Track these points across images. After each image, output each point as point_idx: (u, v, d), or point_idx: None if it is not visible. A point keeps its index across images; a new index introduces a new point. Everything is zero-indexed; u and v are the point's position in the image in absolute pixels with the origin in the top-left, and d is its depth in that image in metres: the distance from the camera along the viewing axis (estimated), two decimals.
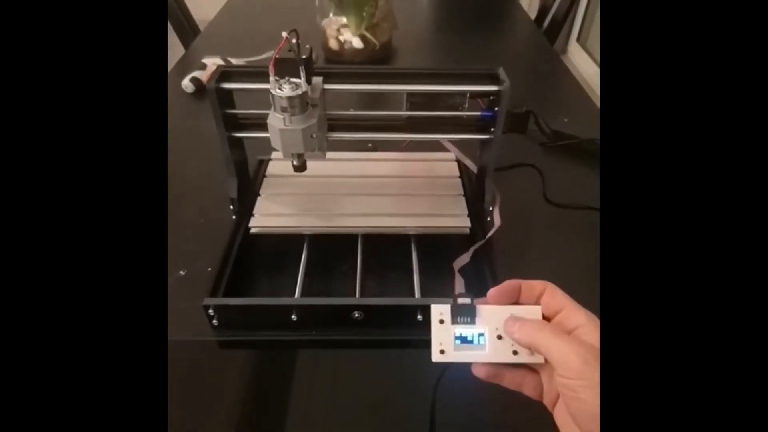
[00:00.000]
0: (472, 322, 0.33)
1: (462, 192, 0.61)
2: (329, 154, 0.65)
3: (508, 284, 0.34)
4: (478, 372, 0.33)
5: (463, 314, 0.33)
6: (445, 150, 0.65)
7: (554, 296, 0.32)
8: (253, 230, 0.55)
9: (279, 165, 0.64)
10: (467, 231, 0.56)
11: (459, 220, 0.56)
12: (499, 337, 0.33)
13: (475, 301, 0.34)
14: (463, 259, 0.52)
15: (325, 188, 0.61)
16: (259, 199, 0.59)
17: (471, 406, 0.44)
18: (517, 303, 0.34)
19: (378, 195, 0.60)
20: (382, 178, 0.63)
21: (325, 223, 0.56)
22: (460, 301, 0.33)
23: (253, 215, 0.56)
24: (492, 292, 0.34)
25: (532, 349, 0.32)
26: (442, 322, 0.33)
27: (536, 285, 0.33)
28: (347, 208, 0.58)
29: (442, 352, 0.33)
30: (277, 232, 0.56)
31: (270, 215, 0.57)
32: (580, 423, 0.28)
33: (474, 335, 0.33)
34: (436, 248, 0.56)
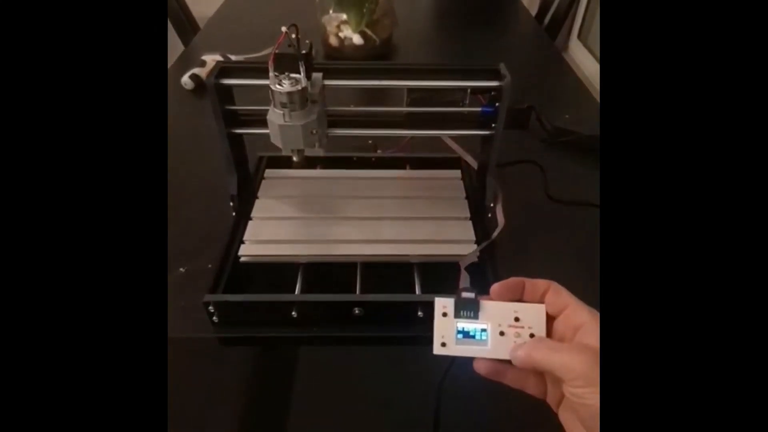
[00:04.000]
0: (475, 317, 0.33)
1: (468, 215, 0.57)
2: (328, 171, 0.63)
3: (512, 281, 0.34)
4: (479, 368, 0.33)
5: (466, 309, 0.33)
6: (446, 148, 0.64)
7: (558, 295, 0.32)
8: (243, 259, 0.52)
9: (273, 184, 0.62)
10: (475, 259, 0.52)
11: (465, 248, 0.53)
12: (502, 333, 0.32)
13: (479, 297, 0.34)
14: (470, 257, 0.51)
15: (322, 211, 0.58)
16: (250, 223, 0.55)
17: (475, 404, 0.44)
18: (520, 301, 0.34)
19: (379, 219, 0.56)
20: (384, 198, 0.59)
21: (322, 251, 0.53)
22: (464, 295, 0.33)
23: (243, 242, 0.53)
24: (495, 287, 0.34)
25: (537, 370, 0.31)
26: (445, 315, 0.33)
27: (540, 284, 0.33)
28: (345, 234, 0.54)
29: (443, 345, 0.33)
30: (269, 261, 0.53)
31: (262, 242, 0.54)
32: (590, 426, 0.28)
33: (476, 330, 0.33)
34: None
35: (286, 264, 0.53)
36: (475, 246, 0.53)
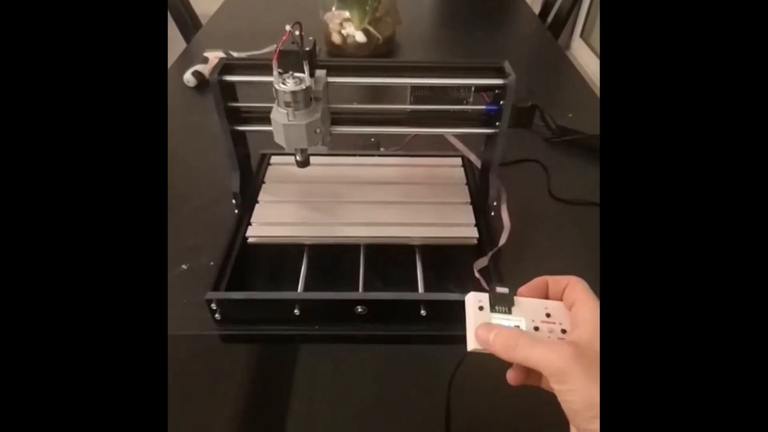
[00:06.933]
0: (509, 312, 0.32)
1: (469, 200, 0.58)
2: (332, 159, 0.64)
3: (536, 281, 0.34)
4: (513, 379, 0.33)
5: (500, 304, 0.33)
6: (449, 146, 0.64)
7: (573, 290, 0.32)
8: (250, 240, 0.53)
9: (278, 170, 0.63)
10: (475, 242, 0.53)
11: (466, 230, 0.54)
12: (536, 329, 0.32)
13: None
14: (482, 261, 0.51)
15: (327, 195, 0.59)
16: (257, 206, 0.57)
17: (484, 403, 0.44)
18: (546, 298, 0.33)
19: (382, 203, 0.58)
20: (386, 184, 0.60)
21: (326, 233, 0.54)
22: (498, 290, 0.33)
23: (251, 224, 0.54)
24: (521, 290, 0.34)
25: (516, 363, 0.31)
26: (481, 308, 0.33)
27: (561, 280, 0.33)
28: (349, 217, 0.56)
29: None
30: (275, 242, 0.54)
31: (269, 224, 0.55)
32: (572, 421, 0.28)
33: (511, 325, 0.32)
34: (442, 258, 0.54)
35: (290, 249, 0.54)
36: (474, 229, 0.54)
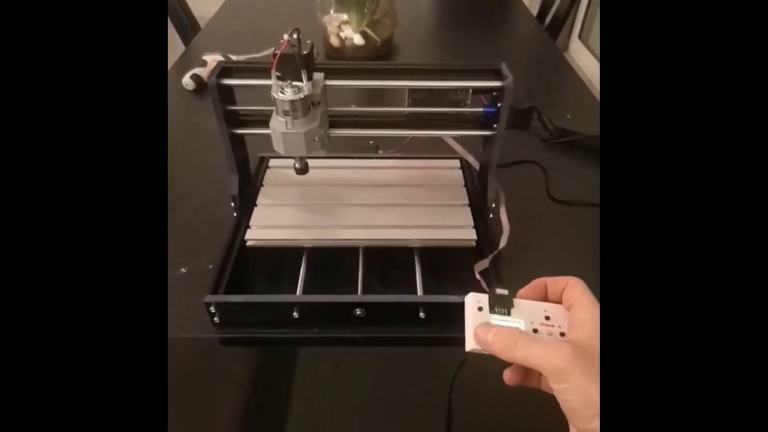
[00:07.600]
0: (508, 314, 0.33)
1: (467, 202, 0.59)
2: (331, 161, 0.64)
3: (535, 283, 0.34)
4: (510, 379, 0.33)
5: (499, 305, 0.33)
6: (448, 148, 0.64)
7: (572, 291, 0.32)
8: (249, 243, 0.53)
9: (277, 173, 0.63)
10: (473, 244, 0.54)
11: (464, 233, 0.54)
12: (535, 331, 0.32)
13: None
14: (483, 264, 0.51)
15: (326, 198, 0.59)
16: (255, 209, 0.57)
17: (484, 404, 0.44)
18: (545, 300, 0.33)
19: (380, 205, 0.58)
20: (385, 187, 0.61)
21: (325, 236, 0.54)
22: (498, 291, 0.33)
23: (249, 227, 0.55)
24: (521, 292, 0.34)
25: (515, 363, 0.31)
26: (480, 309, 0.33)
27: (560, 281, 0.33)
28: (348, 220, 0.56)
29: None
30: (274, 245, 0.54)
31: (267, 227, 0.55)
32: (571, 420, 0.28)
33: (510, 327, 0.32)
34: (441, 260, 0.54)
35: (289, 251, 0.54)
36: (473, 231, 0.55)
